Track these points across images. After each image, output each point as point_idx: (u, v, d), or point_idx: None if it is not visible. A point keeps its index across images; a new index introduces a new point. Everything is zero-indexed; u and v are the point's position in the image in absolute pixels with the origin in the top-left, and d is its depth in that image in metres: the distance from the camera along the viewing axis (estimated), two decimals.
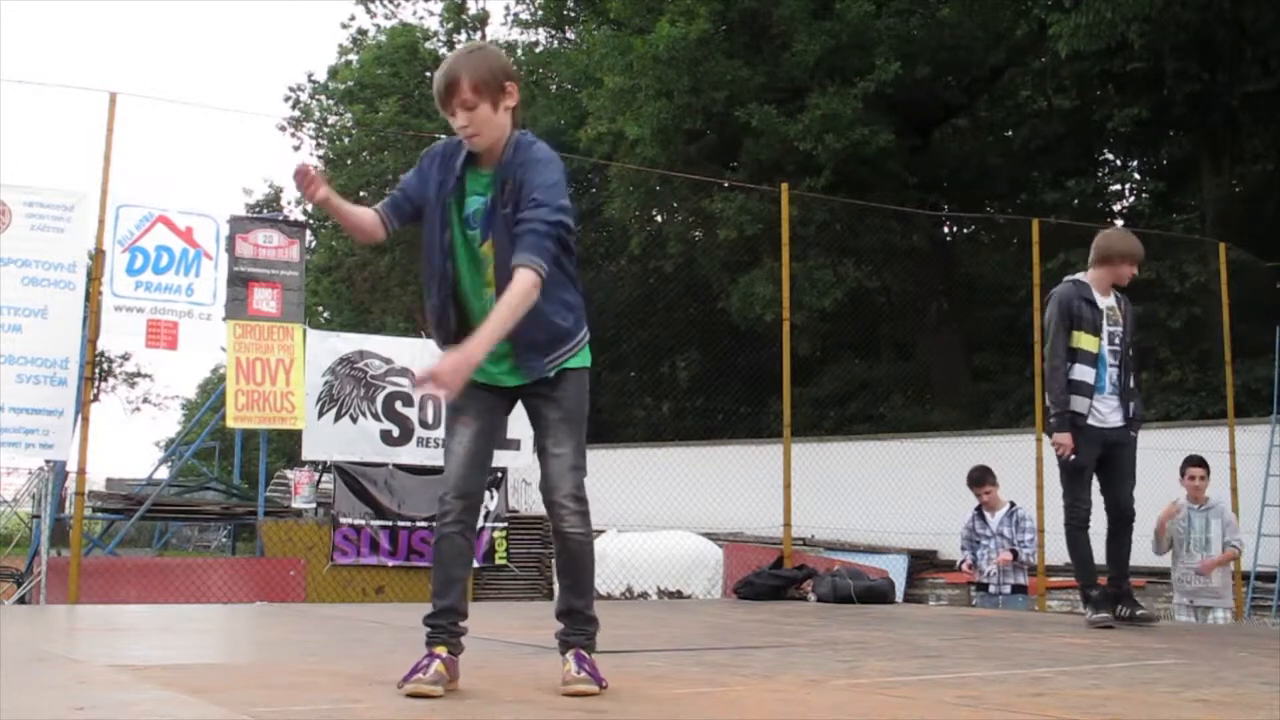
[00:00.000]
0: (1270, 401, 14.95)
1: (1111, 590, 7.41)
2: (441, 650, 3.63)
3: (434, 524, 3.80)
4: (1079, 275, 7.61)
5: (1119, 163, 25.00)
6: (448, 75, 3.66)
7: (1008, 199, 25.24)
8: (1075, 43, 18.07)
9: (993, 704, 3.73)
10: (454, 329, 3.75)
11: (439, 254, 3.75)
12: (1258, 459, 14.03)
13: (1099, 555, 7.33)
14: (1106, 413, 7.30)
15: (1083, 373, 7.27)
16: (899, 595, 12.60)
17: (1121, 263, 7.43)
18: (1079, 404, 7.22)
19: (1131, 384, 7.43)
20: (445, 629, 3.69)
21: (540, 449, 3.81)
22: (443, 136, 4.05)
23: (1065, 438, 7.16)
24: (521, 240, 3.59)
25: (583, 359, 3.87)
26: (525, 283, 3.56)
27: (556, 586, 3.92)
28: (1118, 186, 25.21)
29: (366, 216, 3.82)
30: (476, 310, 3.73)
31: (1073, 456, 7.18)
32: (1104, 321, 7.38)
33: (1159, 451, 14.70)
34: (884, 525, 16.50)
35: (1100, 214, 23.76)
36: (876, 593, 9.70)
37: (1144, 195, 22.87)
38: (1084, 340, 7.31)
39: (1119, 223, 24.08)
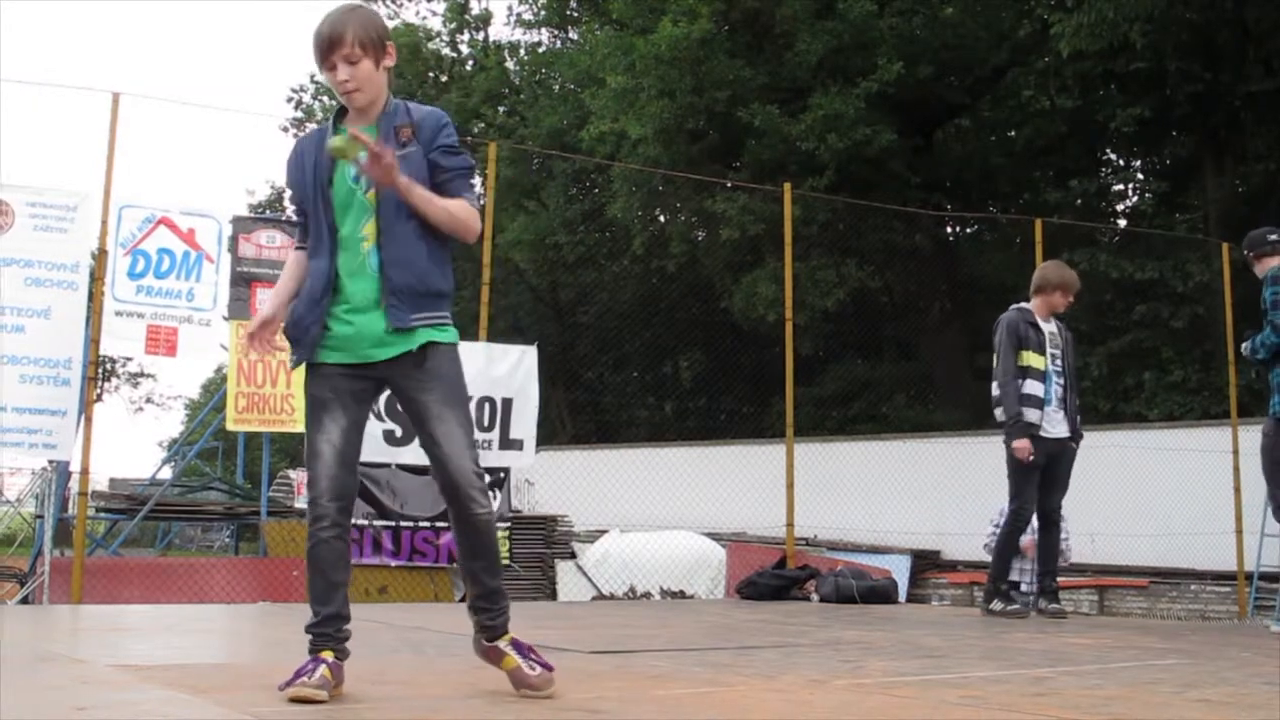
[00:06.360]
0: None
1: (1039, 585, 8.43)
2: (328, 655, 3.56)
3: (311, 529, 3.63)
4: (1023, 304, 8.40)
5: (1122, 163, 24.95)
6: (333, 29, 3.61)
7: (1010, 199, 25.22)
8: (1078, 42, 18.04)
9: (995, 704, 3.73)
10: (325, 293, 3.69)
11: (324, 224, 3.69)
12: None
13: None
14: (1052, 425, 8.15)
15: (1033, 387, 8.11)
16: (902, 595, 12.59)
17: (1053, 292, 8.32)
18: (1032, 415, 8.08)
19: (1075, 401, 8.35)
20: (330, 635, 3.61)
21: (427, 436, 3.67)
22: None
23: (1025, 443, 7.97)
24: (454, 185, 3.69)
25: (450, 336, 3.74)
26: (468, 206, 3.69)
27: (467, 573, 3.79)
28: (1120, 186, 25.17)
29: (302, 270, 3.80)
30: (347, 265, 3.67)
31: (1030, 458, 7.94)
32: (1047, 344, 8.22)
33: (1163, 452, 14.77)
34: (887, 525, 16.50)
35: (1103, 214, 23.75)
36: (879, 593, 9.71)
37: (1147, 195, 22.85)
38: (1032, 359, 8.15)
39: (1121, 223, 24.10)
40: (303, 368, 3.77)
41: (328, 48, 3.62)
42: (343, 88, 3.65)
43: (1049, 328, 8.31)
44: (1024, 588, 9.77)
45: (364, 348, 3.67)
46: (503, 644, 3.71)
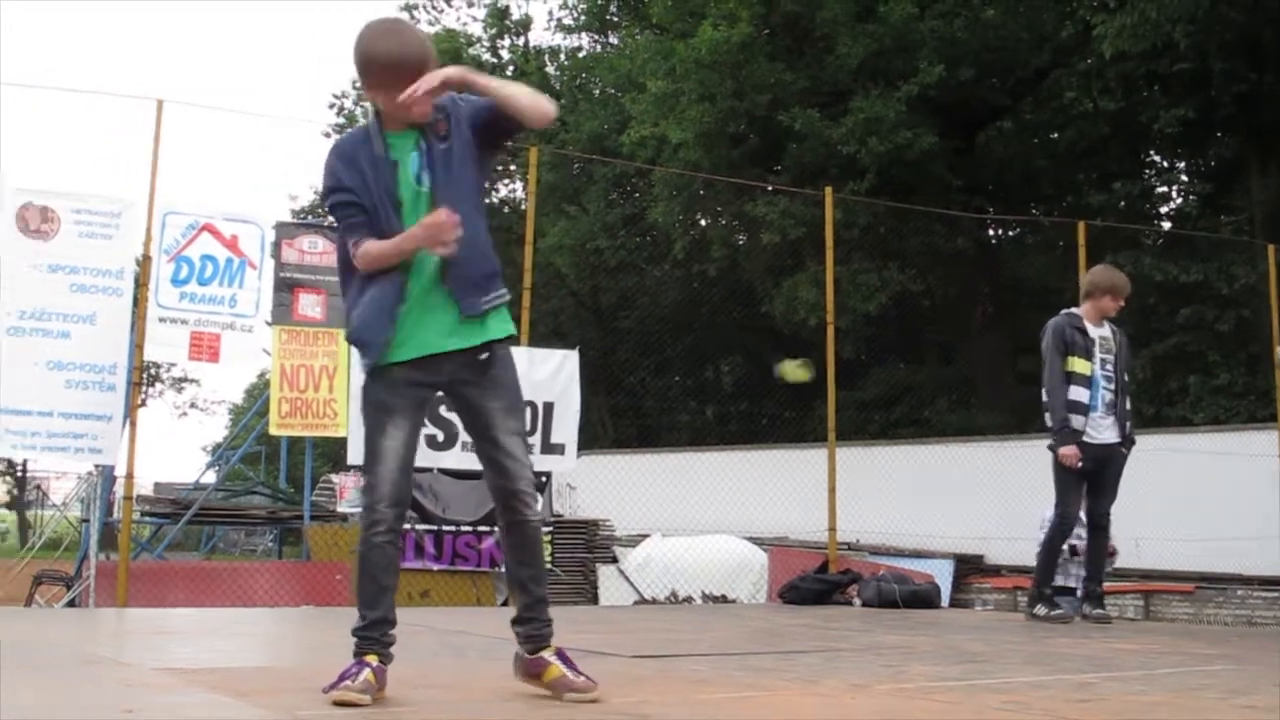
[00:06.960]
0: None
1: (1084, 590, 8.48)
2: (372, 659, 3.58)
3: (366, 533, 3.65)
4: (1072, 309, 8.39)
5: (1166, 164, 24.73)
6: (416, 53, 3.59)
7: (1053, 201, 25.06)
8: (1120, 43, 17.90)
9: (1038, 710, 3.71)
10: (397, 301, 3.70)
11: (393, 231, 3.67)
12: None
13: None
14: (1099, 431, 8.08)
15: (1078, 393, 8.06)
16: (944, 600, 12.53)
17: (1103, 296, 8.23)
18: (1076, 421, 8.04)
19: (1127, 406, 8.27)
20: (376, 640, 3.63)
21: (489, 441, 3.71)
22: None
23: (1072, 450, 7.93)
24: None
25: (508, 322, 3.79)
26: (544, 98, 3.73)
27: (515, 581, 3.84)
28: (1164, 188, 24.96)
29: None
30: (410, 263, 3.67)
31: (1080, 465, 7.90)
32: (1096, 349, 8.15)
33: (1209, 456, 14.63)
34: (929, 529, 16.42)
35: (1147, 216, 23.55)
36: (922, 597, 9.65)
37: (1191, 197, 22.64)
38: (1078, 364, 8.10)
39: (1165, 225, 23.89)
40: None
41: (408, 72, 3.56)
42: (420, 108, 3.63)
43: (1100, 332, 8.22)
44: (1079, 593, 9.70)
45: (433, 338, 3.68)
46: (547, 654, 3.72)
